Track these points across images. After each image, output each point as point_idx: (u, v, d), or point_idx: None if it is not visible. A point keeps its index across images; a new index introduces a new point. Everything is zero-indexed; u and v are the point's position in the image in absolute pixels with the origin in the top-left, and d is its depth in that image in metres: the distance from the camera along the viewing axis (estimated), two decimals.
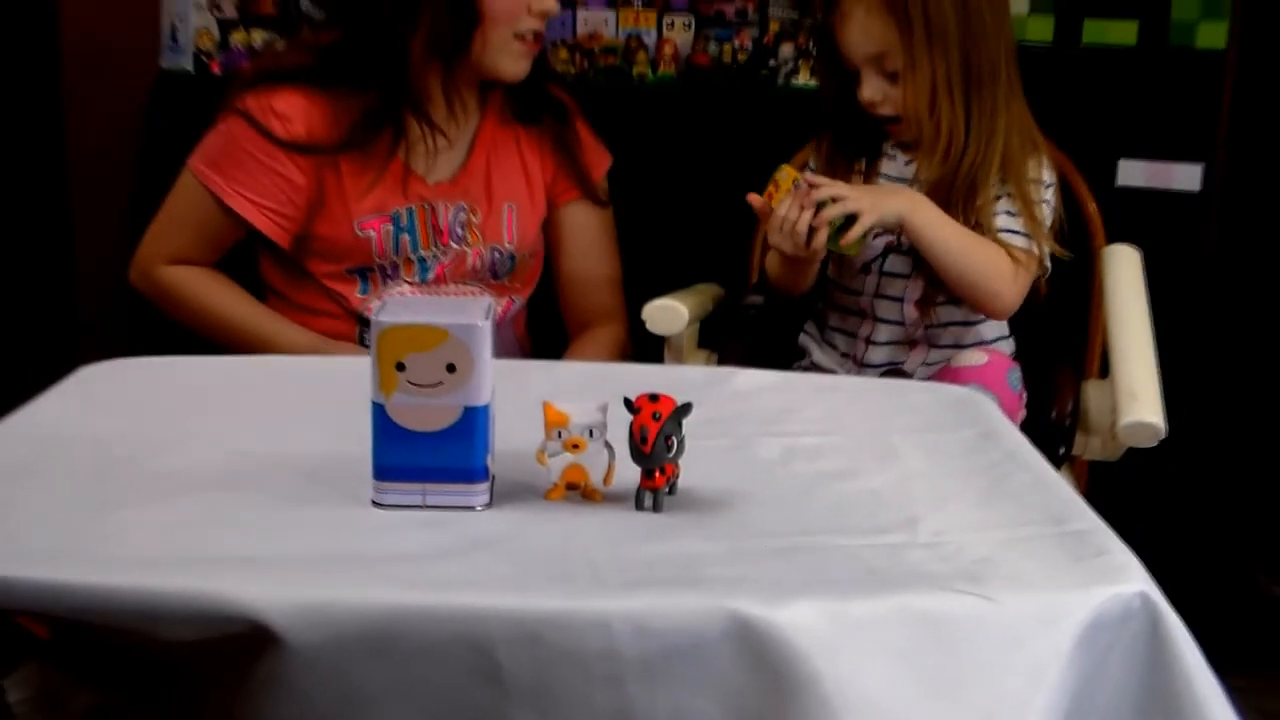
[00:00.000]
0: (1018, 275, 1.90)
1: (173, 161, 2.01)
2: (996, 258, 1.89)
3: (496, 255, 2.05)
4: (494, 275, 2.07)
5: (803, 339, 2.11)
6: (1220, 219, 2.61)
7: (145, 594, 1.00)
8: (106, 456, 1.27)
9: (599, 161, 2.18)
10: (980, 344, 1.99)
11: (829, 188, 1.83)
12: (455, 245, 2.02)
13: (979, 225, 1.91)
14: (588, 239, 2.17)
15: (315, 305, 2.03)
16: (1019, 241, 1.91)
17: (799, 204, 1.82)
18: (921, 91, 1.90)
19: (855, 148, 2.03)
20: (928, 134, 1.93)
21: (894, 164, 2.02)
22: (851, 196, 1.82)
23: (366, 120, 1.94)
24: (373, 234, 1.97)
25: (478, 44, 1.95)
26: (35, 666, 1.31)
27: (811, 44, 2.59)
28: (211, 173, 1.96)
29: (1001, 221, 1.92)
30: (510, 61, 1.98)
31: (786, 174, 1.84)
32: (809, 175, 1.87)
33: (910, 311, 1.98)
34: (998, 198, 1.94)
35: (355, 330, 2.02)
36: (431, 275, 2.02)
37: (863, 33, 1.92)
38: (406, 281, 2.01)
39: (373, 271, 2.00)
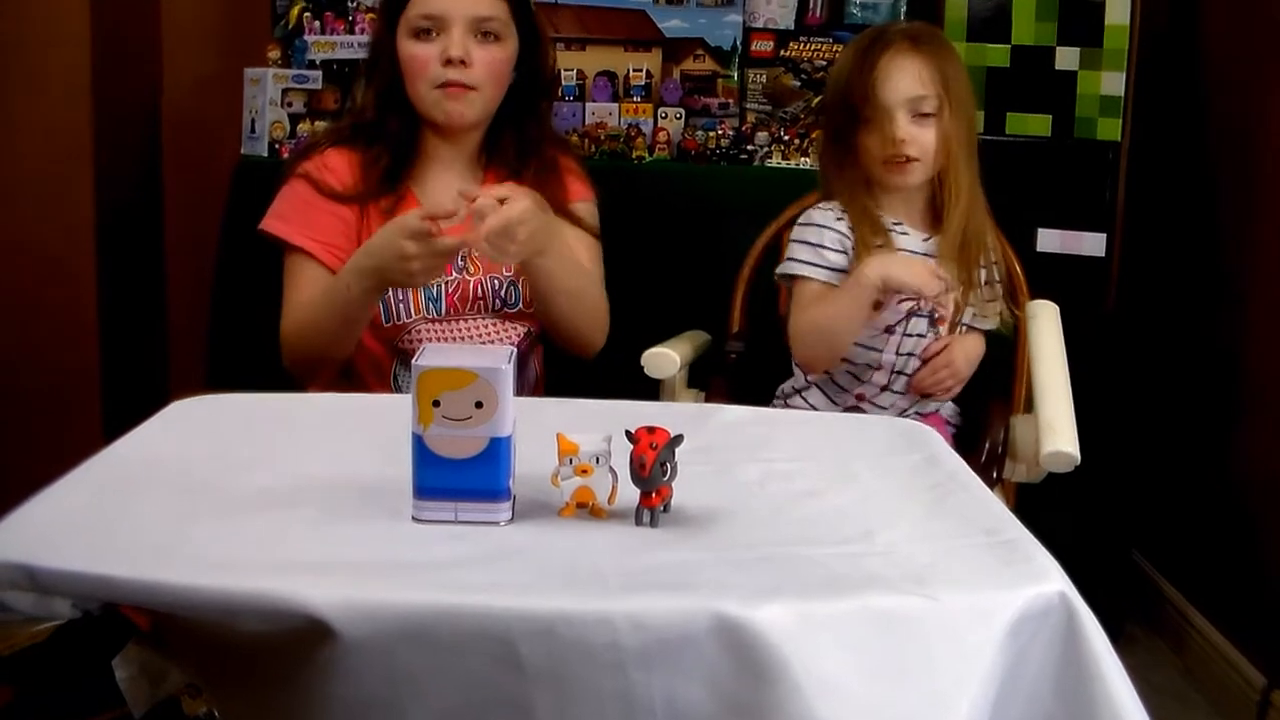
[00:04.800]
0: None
1: (251, 228, 1.99)
2: (983, 343, 1.99)
3: (496, 283, 2.00)
4: (503, 304, 2.02)
5: (787, 387, 2.07)
6: (1121, 279, 2.62)
7: (223, 592, 1.00)
8: (192, 477, 1.27)
9: (577, 190, 2.08)
10: None
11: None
12: (457, 274, 1.98)
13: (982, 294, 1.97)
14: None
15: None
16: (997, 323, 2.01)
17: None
18: (947, 139, 1.89)
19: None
20: (949, 185, 1.92)
21: (908, 238, 1.95)
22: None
23: (384, 171, 1.96)
24: None
25: (414, 98, 1.95)
26: (137, 649, 1.31)
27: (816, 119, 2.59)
28: (276, 223, 1.95)
29: (998, 307, 1.99)
30: (437, 108, 1.94)
31: None
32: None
33: (916, 364, 1.95)
34: (986, 283, 1.96)
35: (391, 360, 1.99)
36: (444, 306, 1.98)
37: (914, 75, 1.88)
38: (424, 319, 1.96)
39: (387, 296, 1.93)
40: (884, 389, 1.96)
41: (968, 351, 1.95)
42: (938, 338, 1.93)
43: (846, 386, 1.99)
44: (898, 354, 1.93)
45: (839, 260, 1.92)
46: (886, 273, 1.81)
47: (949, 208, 1.92)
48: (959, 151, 1.90)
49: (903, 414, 1.94)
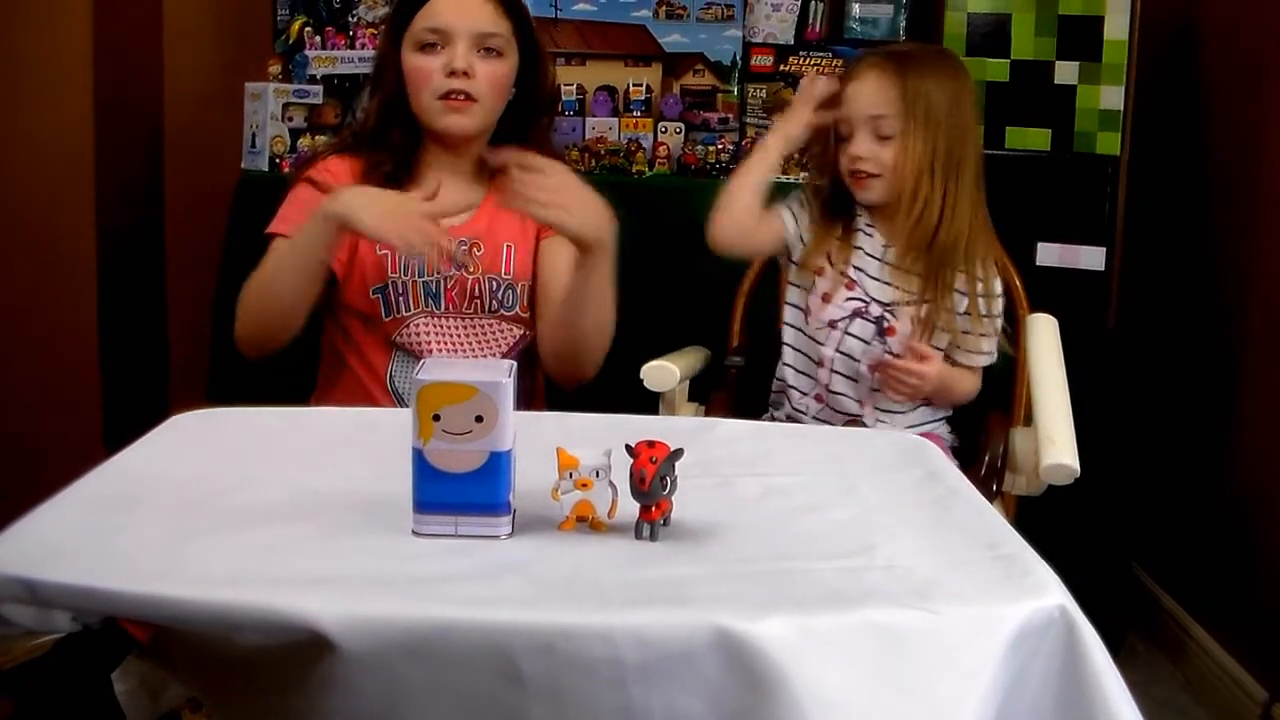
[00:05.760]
0: (979, 383, 2.01)
1: (251, 242, 2.00)
2: (972, 384, 2.00)
3: (495, 283, 2.02)
4: (499, 305, 2.03)
5: (777, 386, 2.09)
6: (1120, 293, 2.62)
7: (223, 606, 1.00)
8: (193, 491, 1.27)
9: None
10: (926, 405, 2.00)
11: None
12: (456, 270, 2.00)
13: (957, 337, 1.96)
14: (561, 268, 2.02)
15: (355, 333, 2.02)
16: (988, 360, 2.01)
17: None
18: (908, 160, 1.89)
19: (836, 214, 2.01)
20: (905, 203, 1.91)
21: (870, 241, 1.98)
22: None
23: (384, 176, 1.99)
24: (387, 254, 1.97)
25: (416, 109, 2.00)
26: (137, 663, 1.31)
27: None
28: (280, 224, 1.97)
29: (985, 345, 1.98)
30: (439, 119, 1.98)
31: None
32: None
33: (865, 371, 1.96)
34: (965, 313, 1.95)
35: (387, 357, 2.01)
36: (443, 302, 2.00)
37: (874, 94, 1.91)
38: (423, 312, 1.99)
39: (388, 289, 1.98)
40: (828, 389, 1.98)
41: (949, 377, 1.95)
42: (885, 348, 1.94)
43: (805, 389, 2.01)
44: (838, 351, 1.96)
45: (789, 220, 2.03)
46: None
47: (908, 224, 1.93)
48: (925, 173, 1.90)
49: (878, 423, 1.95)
